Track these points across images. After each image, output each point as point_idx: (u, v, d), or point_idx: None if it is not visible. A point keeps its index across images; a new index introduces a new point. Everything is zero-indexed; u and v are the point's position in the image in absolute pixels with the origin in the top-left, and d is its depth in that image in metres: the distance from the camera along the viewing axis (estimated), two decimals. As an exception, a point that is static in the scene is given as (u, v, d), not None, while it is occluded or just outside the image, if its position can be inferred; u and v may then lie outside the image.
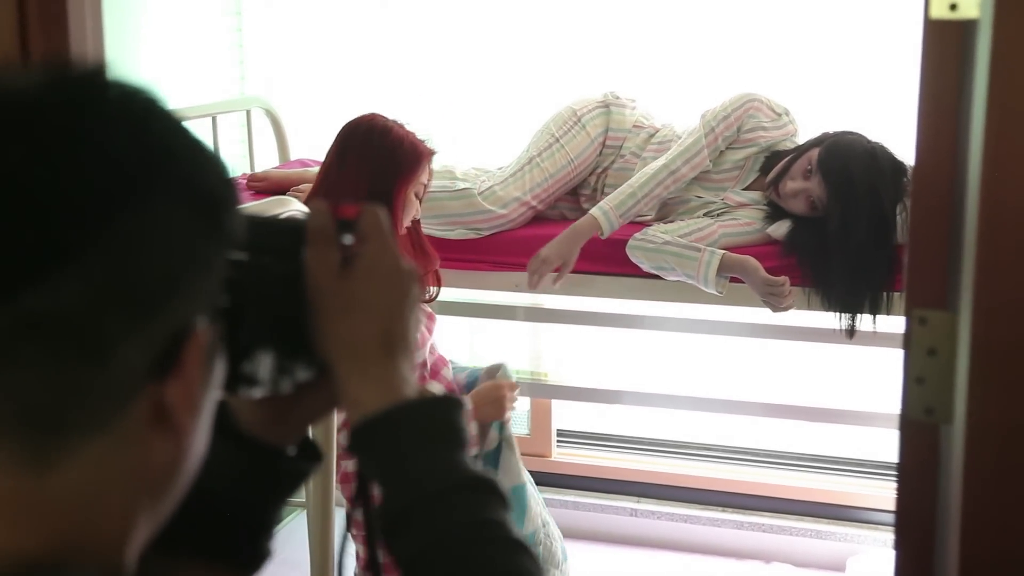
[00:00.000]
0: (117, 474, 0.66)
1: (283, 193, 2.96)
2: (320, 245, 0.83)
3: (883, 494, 3.35)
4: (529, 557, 0.81)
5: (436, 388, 0.85)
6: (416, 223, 2.40)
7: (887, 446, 3.33)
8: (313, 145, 3.61)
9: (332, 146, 2.38)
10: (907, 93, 1.17)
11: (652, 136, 2.91)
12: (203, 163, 0.70)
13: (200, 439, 0.72)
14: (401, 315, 0.85)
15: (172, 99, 0.70)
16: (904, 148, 2.55)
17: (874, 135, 2.64)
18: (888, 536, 3.18)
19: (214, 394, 0.73)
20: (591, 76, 3.38)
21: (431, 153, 2.35)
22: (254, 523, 0.90)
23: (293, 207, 2.02)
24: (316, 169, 3.22)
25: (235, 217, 0.72)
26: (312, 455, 0.92)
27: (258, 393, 0.84)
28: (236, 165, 3.52)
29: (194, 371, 0.68)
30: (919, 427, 1.13)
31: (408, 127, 2.36)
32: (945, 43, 1.07)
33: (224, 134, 3.31)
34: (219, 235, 0.70)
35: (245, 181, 3.17)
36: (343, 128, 2.38)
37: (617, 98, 2.97)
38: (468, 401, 2.32)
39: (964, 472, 1.03)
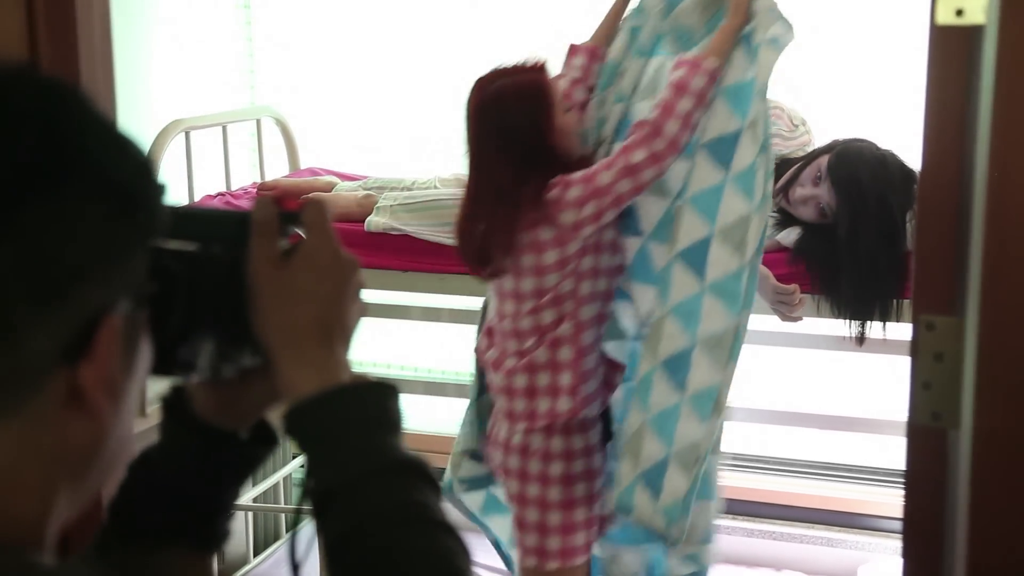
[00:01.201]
0: (34, 454, 0.68)
1: (293, 202, 2.98)
2: (263, 236, 0.86)
3: (894, 502, 3.33)
4: (453, 538, 0.81)
5: (369, 374, 0.87)
6: None
7: (897, 454, 3.32)
8: (323, 154, 3.62)
9: (469, 140, 2.18)
10: (915, 99, 1.16)
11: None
12: (119, 158, 0.72)
13: (124, 420, 0.74)
14: (339, 303, 0.87)
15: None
16: (914, 155, 2.54)
17: (884, 142, 2.63)
18: (899, 544, 3.17)
19: (138, 377, 0.75)
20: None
21: (542, 65, 2.17)
22: (210, 505, 0.93)
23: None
24: (327, 178, 3.23)
25: (154, 208, 0.74)
26: (266, 440, 0.95)
27: (197, 378, 0.87)
28: (246, 174, 3.54)
29: (108, 354, 0.70)
30: (926, 432, 1.13)
31: (504, 65, 2.17)
32: (951, 49, 1.07)
33: (234, 143, 3.32)
34: (136, 226, 0.72)
35: (255, 190, 3.18)
36: (467, 120, 2.17)
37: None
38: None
39: (971, 477, 1.03)
